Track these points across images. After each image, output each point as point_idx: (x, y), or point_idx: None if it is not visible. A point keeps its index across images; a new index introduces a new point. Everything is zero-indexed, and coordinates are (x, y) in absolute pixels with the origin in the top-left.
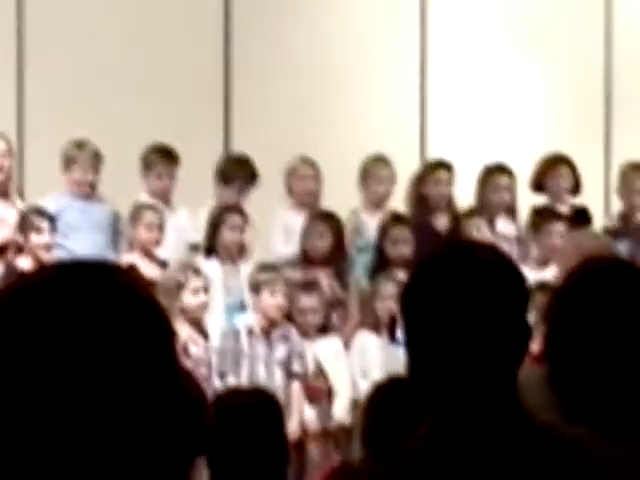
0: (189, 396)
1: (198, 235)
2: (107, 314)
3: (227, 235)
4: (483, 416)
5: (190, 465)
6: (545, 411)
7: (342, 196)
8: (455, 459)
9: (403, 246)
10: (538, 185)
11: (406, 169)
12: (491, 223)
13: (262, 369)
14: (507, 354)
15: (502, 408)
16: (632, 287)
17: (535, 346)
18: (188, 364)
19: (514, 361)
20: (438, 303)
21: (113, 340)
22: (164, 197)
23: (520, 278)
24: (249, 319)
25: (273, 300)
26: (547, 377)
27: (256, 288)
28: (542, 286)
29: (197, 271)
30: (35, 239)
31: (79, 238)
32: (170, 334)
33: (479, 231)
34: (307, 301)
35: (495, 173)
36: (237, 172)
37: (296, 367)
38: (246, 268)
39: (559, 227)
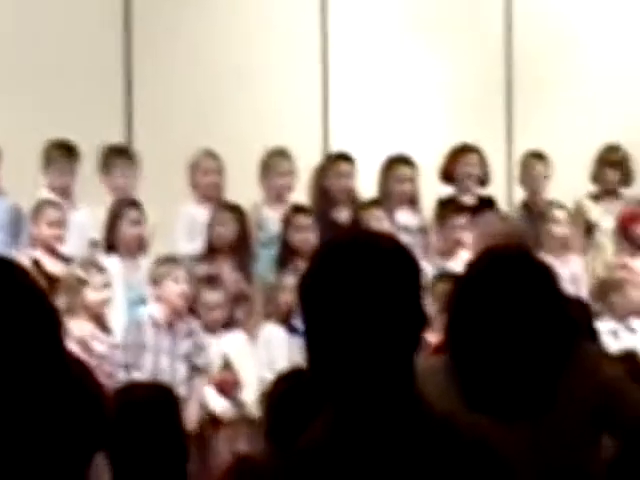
0: (86, 390)
1: (98, 231)
2: None
3: (126, 230)
4: (381, 406)
5: (89, 460)
6: (446, 400)
7: (245, 191)
8: (353, 449)
9: (307, 234)
10: (446, 175)
11: (309, 162)
12: (392, 215)
13: (165, 362)
14: (403, 342)
15: (400, 397)
16: (529, 278)
17: (435, 336)
18: (91, 361)
19: (410, 349)
20: (334, 292)
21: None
22: (65, 193)
23: (416, 268)
24: (153, 310)
25: (176, 288)
26: (447, 366)
27: (157, 279)
28: (442, 276)
29: (99, 267)
30: None
31: None
32: (57, 326)
33: (379, 222)
34: (211, 296)
35: (397, 164)
36: (116, 159)
37: (199, 361)
38: (146, 262)
39: (462, 220)
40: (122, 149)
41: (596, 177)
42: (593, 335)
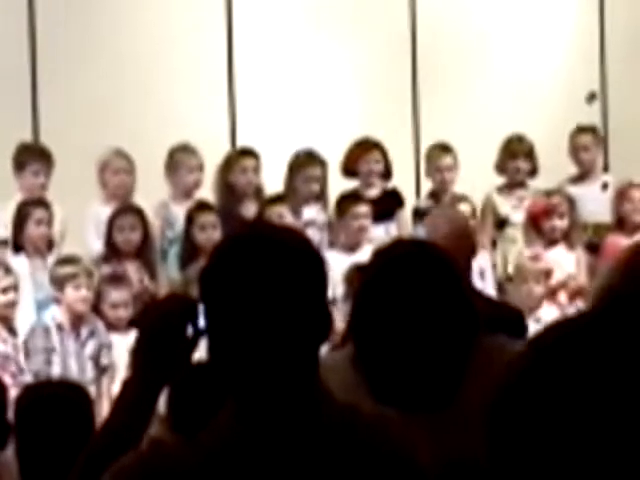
0: None
1: (6, 230)
2: None
3: (33, 229)
4: (282, 399)
5: None
6: (351, 391)
7: (151, 188)
8: (254, 444)
9: (211, 231)
10: (349, 170)
11: (217, 158)
12: (299, 210)
13: (74, 365)
14: (306, 337)
15: (301, 390)
16: (433, 271)
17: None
18: None
19: (314, 344)
20: (233, 285)
21: None
22: None
23: (319, 261)
24: (56, 314)
25: (78, 294)
26: (352, 357)
27: (59, 283)
28: (355, 268)
29: (7, 269)
30: None
31: None
32: None
33: (282, 219)
34: (117, 295)
35: (306, 162)
36: (28, 157)
37: (105, 360)
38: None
39: (362, 209)
40: (36, 148)
41: (502, 168)
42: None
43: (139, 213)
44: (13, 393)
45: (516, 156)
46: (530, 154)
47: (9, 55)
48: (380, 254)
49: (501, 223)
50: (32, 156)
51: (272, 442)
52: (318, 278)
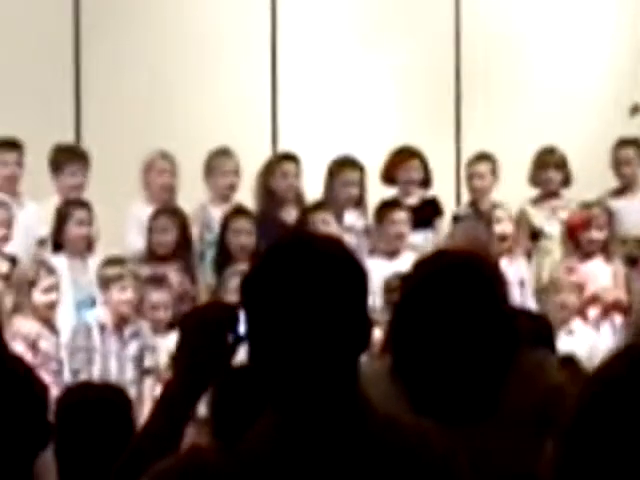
0: (29, 389)
1: (46, 229)
2: None
3: (73, 230)
4: (323, 409)
5: (33, 458)
6: (389, 402)
7: (195, 191)
8: (294, 453)
9: (245, 237)
10: (388, 177)
11: (258, 163)
12: (339, 216)
13: (114, 365)
14: (346, 346)
15: (343, 400)
16: (476, 284)
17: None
18: (37, 360)
19: (354, 353)
20: (277, 293)
21: None
22: (10, 188)
23: (360, 270)
24: (100, 314)
25: (123, 296)
26: (391, 368)
27: (105, 284)
28: (390, 277)
29: (49, 269)
30: None
31: None
32: None
33: (326, 225)
34: (157, 296)
35: (344, 167)
36: (65, 158)
37: (148, 362)
38: (94, 262)
39: (401, 215)
40: (72, 148)
41: (535, 180)
42: (552, 348)
43: (177, 215)
44: (54, 392)
45: (547, 167)
46: (562, 165)
47: (53, 53)
48: (422, 265)
49: (535, 234)
50: (69, 157)
51: (313, 452)
52: (359, 287)
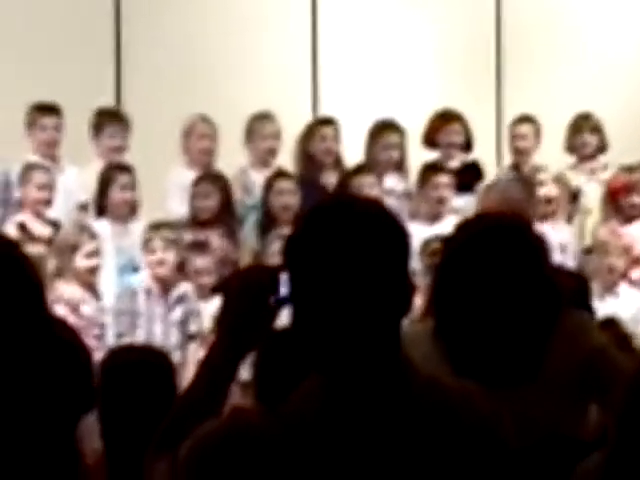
0: (72, 352)
1: (87, 194)
2: None
3: (117, 195)
4: (366, 370)
5: (76, 421)
6: (431, 365)
7: (235, 154)
8: (338, 415)
9: (288, 197)
10: (430, 141)
11: (299, 127)
12: (380, 180)
13: (159, 330)
14: (389, 307)
15: (386, 362)
16: (518, 246)
17: (422, 299)
18: (80, 324)
19: (397, 314)
20: (321, 255)
21: None
22: (50, 152)
23: (402, 232)
24: (145, 278)
25: (167, 257)
26: (433, 330)
27: (149, 247)
28: (431, 240)
29: (91, 234)
30: None
31: None
32: (39, 291)
33: (369, 188)
34: (200, 262)
35: (384, 131)
36: (105, 121)
37: (193, 327)
38: (137, 227)
39: (444, 179)
40: (113, 111)
41: (571, 146)
42: (588, 308)
43: (220, 180)
44: (97, 356)
45: (581, 131)
46: (597, 130)
47: (93, 19)
48: (464, 227)
49: (574, 196)
50: (109, 119)
51: (358, 413)
52: (402, 249)
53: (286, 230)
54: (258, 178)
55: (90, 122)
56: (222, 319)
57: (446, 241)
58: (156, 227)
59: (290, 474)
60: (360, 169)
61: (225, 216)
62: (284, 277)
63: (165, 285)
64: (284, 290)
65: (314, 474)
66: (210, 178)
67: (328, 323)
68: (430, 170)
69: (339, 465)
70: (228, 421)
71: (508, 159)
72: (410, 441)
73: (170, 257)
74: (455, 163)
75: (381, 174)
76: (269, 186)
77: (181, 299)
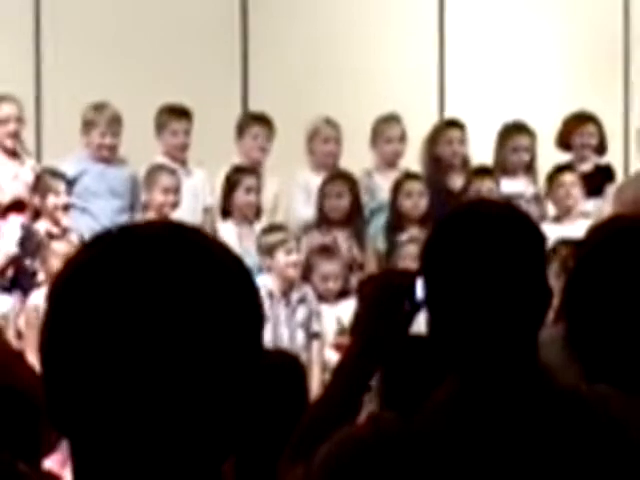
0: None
1: (214, 197)
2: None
3: (242, 197)
4: (505, 377)
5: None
6: (564, 370)
7: (358, 157)
8: (476, 421)
9: (417, 199)
10: (563, 143)
11: (425, 129)
12: (508, 182)
13: (285, 332)
14: (528, 313)
15: (524, 368)
16: None
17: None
18: None
19: (535, 320)
20: (459, 261)
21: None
22: (179, 156)
23: (540, 236)
24: (267, 282)
25: (289, 258)
26: (565, 335)
27: (268, 250)
28: (561, 242)
29: (217, 236)
30: (53, 200)
31: (97, 202)
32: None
33: (492, 192)
34: (328, 267)
35: (513, 133)
36: (252, 125)
37: (315, 327)
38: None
39: (569, 178)
40: (259, 116)
41: None
42: None
43: (350, 180)
44: None
45: None
46: None
47: (222, 20)
48: (598, 230)
49: None
50: (251, 121)
51: (495, 419)
52: (539, 254)
53: (414, 232)
54: (383, 181)
55: (237, 124)
56: (357, 323)
57: (579, 244)
58: (271, 229)
59: (428, 478)
60: (486, 171)
61: (354, 217)
62: (420, 282)
63: (287, 287)
64: (420, 295)
65: (452, 478)
66: (341, 178)
67: (467, 328)
68: (559, 171)
69: (477, 470)
70: (368, 427)
71: (636, 164)
72: (548, 448)
73: (295, 257)
74: (588, 166)
75: (510, 176)
76: (397, 187)
77: (302, 300)
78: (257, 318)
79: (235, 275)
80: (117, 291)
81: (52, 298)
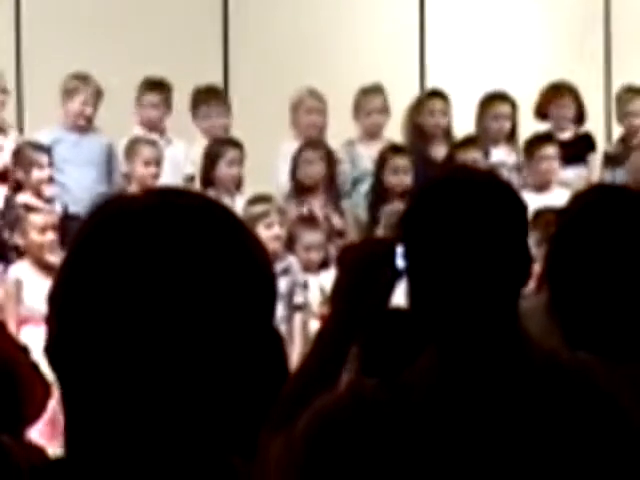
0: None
1: (194, 167)
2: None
3: (224, 169)
4: (485, 343)
5: None
6: (546, 338)
7: (341, 127)
8: (457, 388)
9: (403, 176)
10: (542, 113)
11: (407, 100)
12: (489, 151)
13: None
14: (508, 280)
15: (506, 336)
16: (633, 216)
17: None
18: None
19: (516, 288)
20: (438, 229)
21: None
22: (157, 127)
23: (520, 204)
24: None
25: (270, 232)
26: (548, 303)
27: (251, 222)
28: (545, 210)
29: None
30: (37, 174)
31: (72, 171)
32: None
33: (475, 161)
34: (310, 237)
35: (495, 101)
36: (206, 100)
37: (298, 299)
38: (243, 201)
39: (550, 150)
40: (214, 89)
41: None
42: None
43: (323, 147)
44: None
45: None
46: None
47: None
48: (579, 198)
49: None
50: (210, 99)
51: (478, 386)
52: (520, 221)
53: (399, 206)
54: (365, 150)
55: (190, 100)
56: (337, 291)
57: (560, 212)
58: (256, 200)
59: (409, 445)
60: (468, 141)
61: (328, 185)
62: (400, 250)
63: (272, 260)
64: (400, 263)
65: (432, 445)
66: (313, 145)
67: (447, 296)
68: (537, 141)
69: (457, 437)
70: (348, 393)
71: (618, 131)
72: (529, 415)
73: (277, 230)
74: (566, 135)
75: (491, 145)
76: (383, 162)
77: (285, 271)
78: (267, 289)
79: (249, 242)
80: (132, 250)
81: (73, 249)
